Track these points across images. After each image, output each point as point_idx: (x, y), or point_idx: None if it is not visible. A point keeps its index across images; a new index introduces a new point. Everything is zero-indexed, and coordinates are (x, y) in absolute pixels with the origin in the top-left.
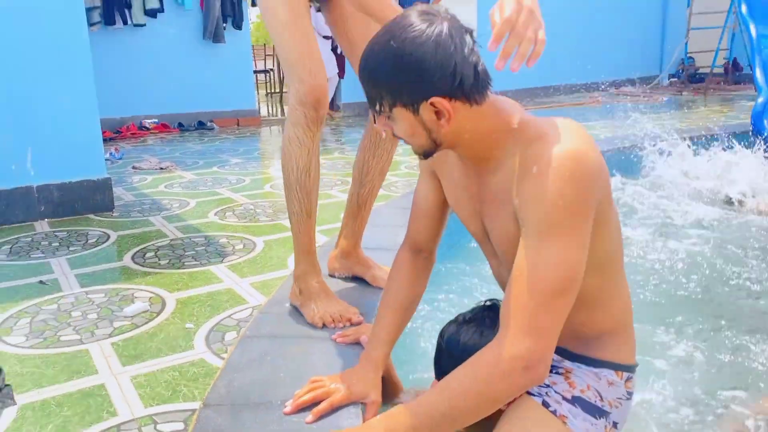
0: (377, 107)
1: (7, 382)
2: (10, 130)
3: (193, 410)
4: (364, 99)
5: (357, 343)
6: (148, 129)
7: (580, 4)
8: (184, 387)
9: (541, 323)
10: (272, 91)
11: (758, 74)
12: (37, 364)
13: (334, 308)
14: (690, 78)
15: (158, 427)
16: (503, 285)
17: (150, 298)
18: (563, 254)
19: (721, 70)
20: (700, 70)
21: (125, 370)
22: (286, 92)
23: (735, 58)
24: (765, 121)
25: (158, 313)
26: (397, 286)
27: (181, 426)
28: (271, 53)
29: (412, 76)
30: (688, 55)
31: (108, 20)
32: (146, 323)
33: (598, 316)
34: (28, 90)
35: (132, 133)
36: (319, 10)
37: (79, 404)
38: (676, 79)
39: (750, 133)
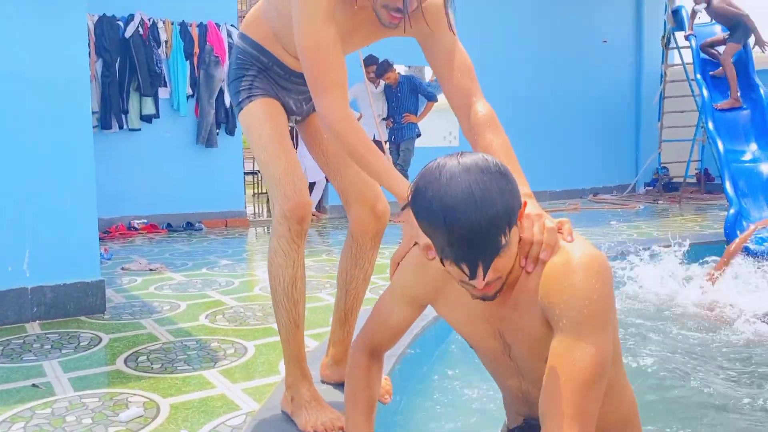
0: (502, 241)
1: None
2: (10, 230)
3: None
4: None
5: None
6: (136, 229)
7: (559, 116)
8: None
9: (586, 409)
10: (259, 191)
11: (728, 187)
12: None
13: (326, 416)
14: (665, 187)
15: None
16: (526, 399)
17: (144, 403)
18: (599, 344)
19: (694, 180)
20: (674, 180)
21: None
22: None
23: (706, 169)
24: (738, 232)
25: (153, 419)
26: (363, 386)
27: None
28: None
29: (513, 191)
30: (662, 165)
31: (104, 125)
32: (141, 429)
33: (614, 404)
34: (31, 191)
35: (121, 233)
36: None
37: None
38: (651, 188)
39: (725, 242)
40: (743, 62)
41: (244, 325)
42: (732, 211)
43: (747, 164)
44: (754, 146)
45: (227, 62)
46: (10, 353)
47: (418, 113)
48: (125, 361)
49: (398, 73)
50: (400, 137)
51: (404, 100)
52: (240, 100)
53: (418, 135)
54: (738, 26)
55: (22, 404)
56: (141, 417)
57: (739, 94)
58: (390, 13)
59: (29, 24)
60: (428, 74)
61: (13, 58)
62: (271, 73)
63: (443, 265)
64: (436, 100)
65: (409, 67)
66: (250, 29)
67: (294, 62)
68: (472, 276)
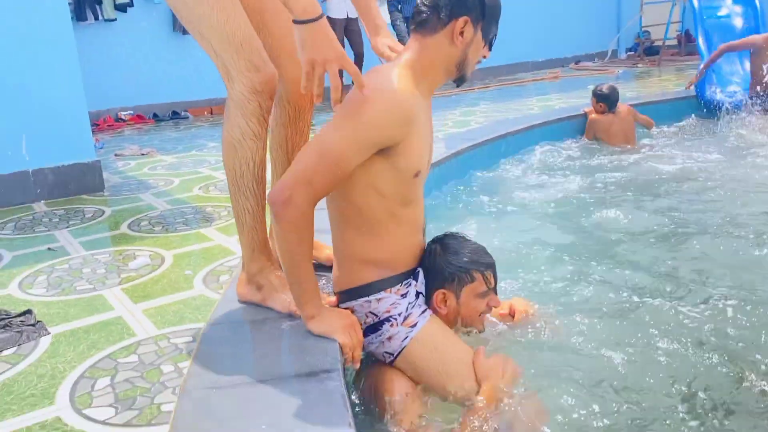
0: None
1: (38, 319)
2: (4, 118)
3: (199, 329)
4: None
5: None
6: (124, 121)
7: None
8: (189, 314)
9: (306, 165)
10: None
11: (701, 43)
12: (61, 306)
13: None
14: (646, 51)
15: (171, 341)
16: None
17: (150, 255)
18: (332, 135)
19: (675, 42)
20: (656, 43)
21: (137, 306)
22: None
23: (687, 30)
24: (706, 85)
25: (159, 266)
26: (310, 238)
27: (190, 339)
28: None
29: None
30: (643, 29)
31: (79, 16)
32: (150, 273)
33: (373, 243)
34: (19, 81)
35: (109, 125)
36: None
37: (102, 330)
38: (633, 53)
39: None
40: None
41: None
42: (703, 67)
43: (722, 19)
44: (729, 0)
45: None
46: (23, 227)
47: None
48: (129, 226)
49: None
50: (408, 9)
51: None
52: None
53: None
54: None
55: (42, 263)
56: (148, 265)
57: None
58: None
59: None
60: None
61: None
62: None
63: (485, 44)
64: None
65: None
66: None
67: None
68: (491, 48)
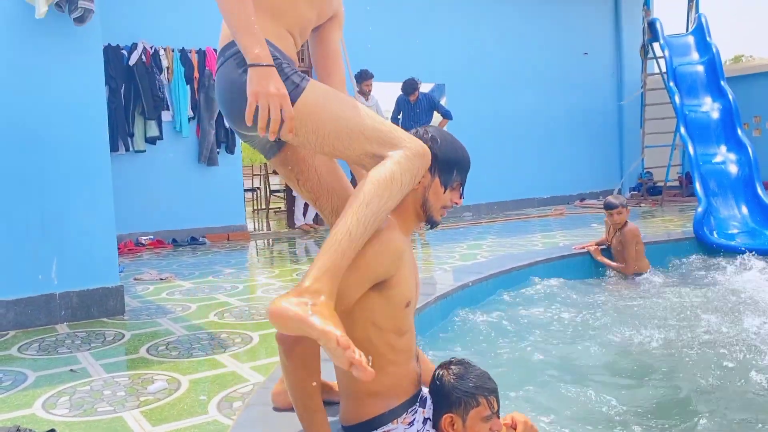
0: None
1: None
2: (39, 244)
3: None
4: None
5: None
6: (143, 245)
7: (545, 126)
8: None
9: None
10: (258, 207)
11: (698, 187)
12: (83, 427)
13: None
14: (648, 191)
15: None
16: (415, 354)
17: (167, 379)
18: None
19: (677, 183)
20: (658, 184)
21: (155, 429)
22: (272, 209)
23: (688, 172)
24: (705, 228)
25: (176, 390)
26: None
27: None
28: (258, 173)
29: None
30: (646, 170)
31: (112, 147)
32: (167, 397)
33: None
34: (58, 209)
35: (129, 249)
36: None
37: None
38: (636, 192)
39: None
40: (713, 68)
41: (249, 320)
42: (700, 209)
43: (717, 165)
44: (723, 148)
45: None
46: (47, 348)
47: None
48: (147, 350)
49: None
50: None
51: (422, 115)
52: (299, 81)
53: None
54: None
55: (64, 384)
56: (166, 389)
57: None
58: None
59: (53, 58)
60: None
61: (40, 90)
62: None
63: (445, 190)
64: (452, 119)
65: (436, 84)
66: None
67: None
68: (461, 195)
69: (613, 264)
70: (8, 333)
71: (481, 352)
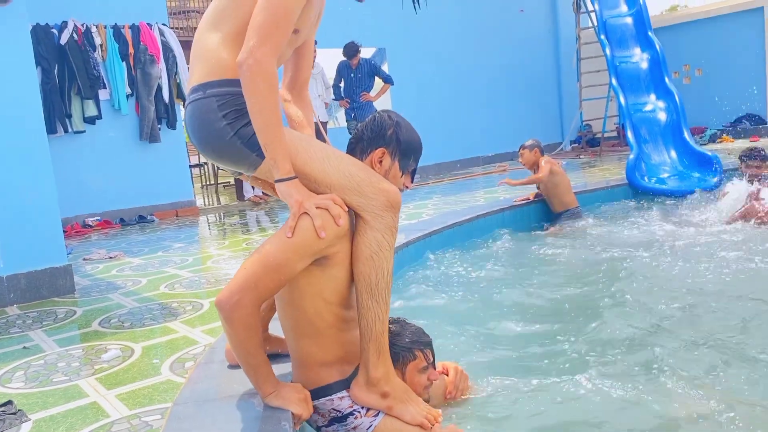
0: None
1: (19, 408)
2: None
3: (167, 408)
4: None
5: None
6: (91, 227)
7: (486, 84)
8: (158, 396)
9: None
10: (207, 183)
11: (629, 134)
12: (39, 396)
13: (422, 403)
14: (588, 143)
15: (142, 419)
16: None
17: (121, 347)
18: None
19: (615, 134)
20: (597, 136)
21: (110, 392)
22: (221, 183)
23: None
24: (636, 173)
25: (129, 357)
26: (258, 331)
27: (159, 416)
28: None
29: None
30: (585, 122)
31: (50, 129)
32: (121, 363)
33: (326, 345)
34: None
35: (76, 231)
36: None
37: (78, 414)
38: (577, 145)
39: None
40: (641, 20)
41: (199, 288)
42: (632, 156)
43: (648, 114)
44: (653, 97)
45: (162, 60)
46: None
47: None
48: (100, 324)
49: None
50: (362, 115)
51: (363, 81)
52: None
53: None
54: None
55: (19, 360)
56: (119, 357)
57: None
58: None
59: None
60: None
61: None
62: None
63: (402, 174)
64: (393, 83)
65: (377, 49)
66: (219, 71)
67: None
68: (413, 180)
69: (525, 180)
70: None
71: (421, 307)
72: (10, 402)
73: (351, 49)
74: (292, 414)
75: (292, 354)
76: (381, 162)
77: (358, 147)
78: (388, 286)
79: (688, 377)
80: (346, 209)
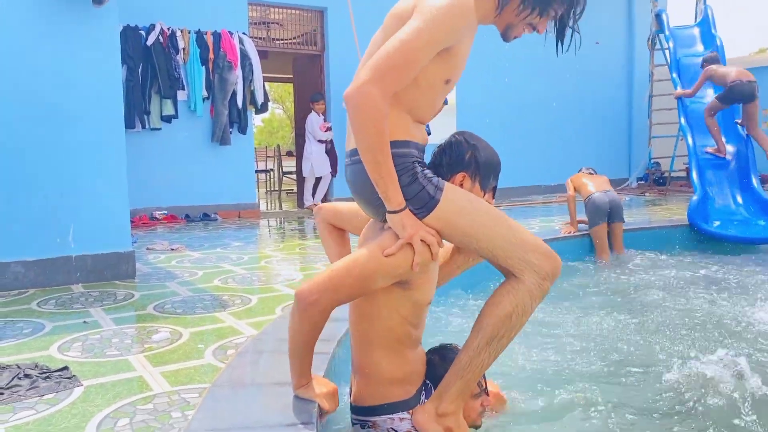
0: None
1: (73, 374)
2: (58, 210)
3: (205, 388)
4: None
5: None
6: (158, 219)
7: (555, 114)
8: (198, 377)
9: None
10: (271, 188)
11: (694, 176)
12: (92, 366)
13: None
14: (655, 181)
15: (181, 395)
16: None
17: (170, 331)
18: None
19: (683, 174)
20: (665, 174)
21: (156, 369)
22: (284, 190)
23: None
24: (699, 217)
25: (177, 340)
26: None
27: (197, 395)
28: (271, 155)
29: None
30: (653, 160)
31: (128, 124)
32: (168, 345)
33: (397, 362)
34: (75, 178)
35: (143, 223)
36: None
37: (125, 385)
38: (643, 182)
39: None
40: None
41: (250, 285)
42: (695, 197)
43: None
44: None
45: (239, 68)
46: (63, 303)
47: None
48: (154, 308)
49: None
50: None
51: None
52: (433, 193)
53: (429, 133)
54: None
55: (77, 332)
56: (168, 339)
57: (725, 141)
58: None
59: (72, 37)
60: None
61: (60, 67)
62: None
63: (484, 194)
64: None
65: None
66: None
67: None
68: (494, 196)
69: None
70: (28, 290)
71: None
72: (66, 368)
73: None
74: (319, 406)
75: (360, 368)
76: (462, 185)
77: (437, 173)
78: (507, 344)
79: None
80: (443, 245)
